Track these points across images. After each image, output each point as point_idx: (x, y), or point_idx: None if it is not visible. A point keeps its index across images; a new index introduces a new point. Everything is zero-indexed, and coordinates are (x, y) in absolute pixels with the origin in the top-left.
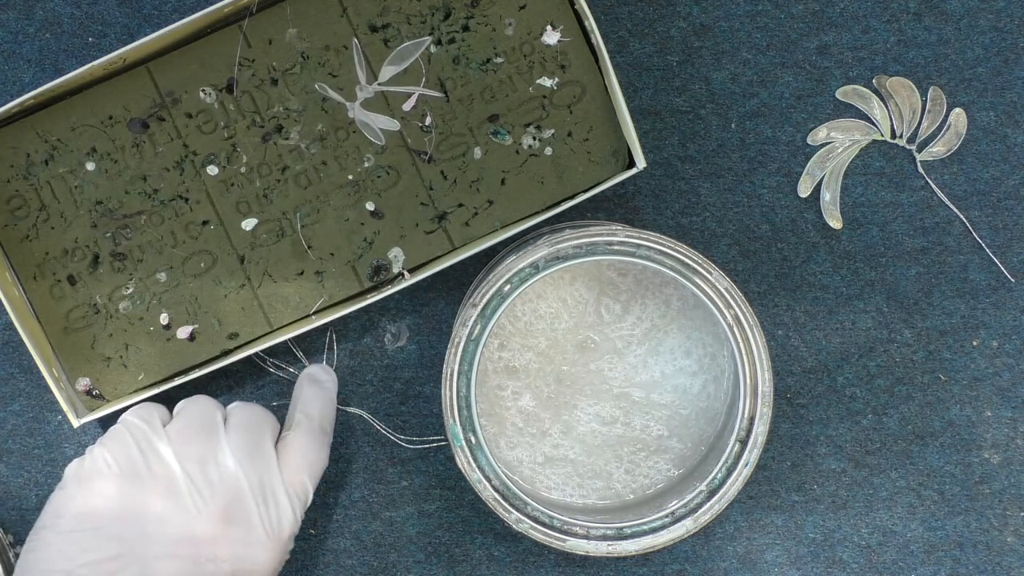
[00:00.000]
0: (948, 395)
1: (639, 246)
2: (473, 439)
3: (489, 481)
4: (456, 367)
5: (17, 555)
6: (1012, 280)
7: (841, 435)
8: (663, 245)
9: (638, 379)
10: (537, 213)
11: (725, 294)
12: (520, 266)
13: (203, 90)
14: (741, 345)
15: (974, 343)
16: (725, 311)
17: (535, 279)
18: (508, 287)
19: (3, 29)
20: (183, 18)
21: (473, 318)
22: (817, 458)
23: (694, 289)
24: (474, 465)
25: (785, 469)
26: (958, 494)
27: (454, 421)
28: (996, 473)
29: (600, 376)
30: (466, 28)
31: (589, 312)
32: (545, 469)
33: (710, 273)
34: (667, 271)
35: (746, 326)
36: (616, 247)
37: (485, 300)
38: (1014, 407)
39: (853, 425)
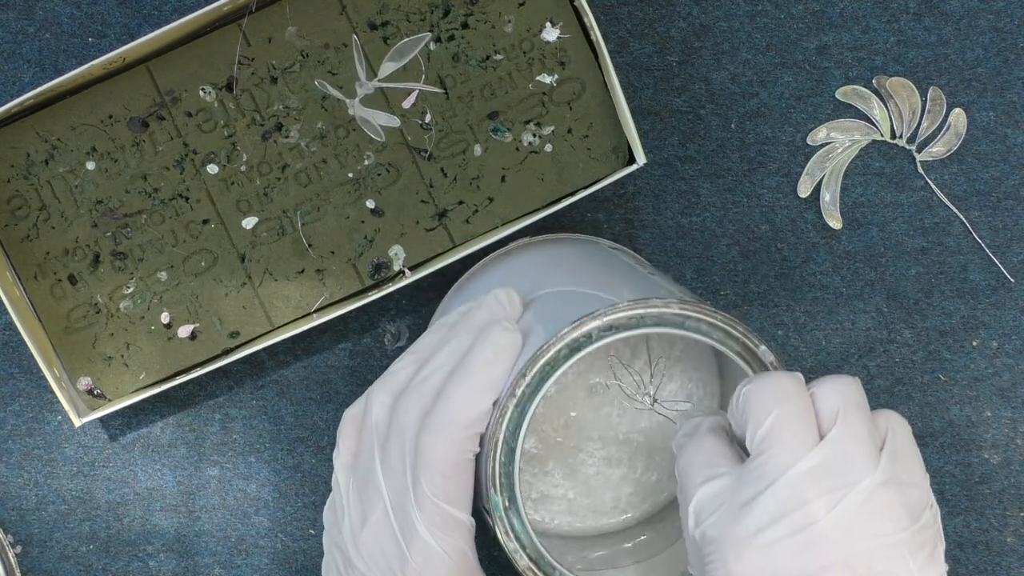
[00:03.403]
0: (948, 395)
1: (687, 317)
2: (511, 507)
3: (524, 549)
4: (501, 436)
5: (17, 555)
6: (1012, 280)
7: None
8: (714, 318)
9: (642, 424)
10: (538, 210)
11: (770, 368)
12: (574, 336)
13: (203, 89)
14: None
15: (974, 343)
16: None
17: (588, 349)
18: (559, 357)
19: (3, 29)
20: (182, 17)
21: (523, 387)
22: None
23: (741, 364)
24: (511, 535)
25: None
26: (958, 494)
27: (496, 491)
28: (996, 473)
29: (608, 421)
30: (465, 25)
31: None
32: (537, 505)
33: (757, 347)
34: (715, 343)
35: None
36: (669, 318)
37: (536, 369)
38: (1014, 407)
39: None
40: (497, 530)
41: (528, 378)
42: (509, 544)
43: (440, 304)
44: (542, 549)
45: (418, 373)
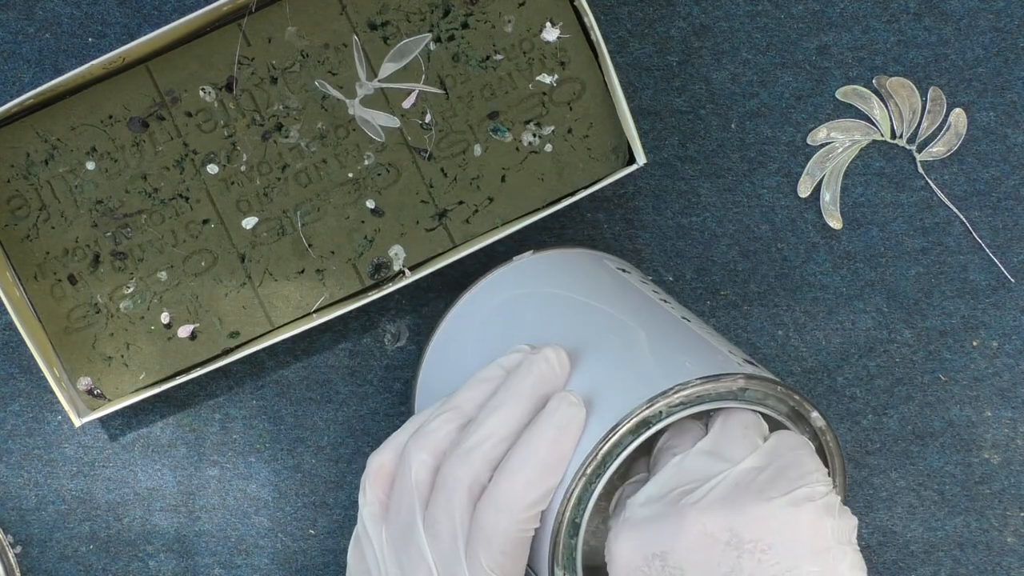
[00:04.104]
0: (948, 395)
1: (745, 389)
2: None
3: None
4: (567, 517)
5: (17, 555)
6: (1012, 280)
7: (841, 435)
8: (777, 391)
9: None
10: (538, 210)
11: (819, 433)
12: (645, 414)
13: (203, 89)
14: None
15: (974, 343)
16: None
17: (657, 426)
18: (630, 437)
19: (3, 29)
20: (182, 17)
21: (592, 467)
22: None
23: (791, 427)
24: None
25: None
26: (958, 494)
27: (559, 566)
28: (996, 473)
29: None
30: (465, 25)
31: None
32: None
33: (809, 413)
34: (772, 412)
35: (832, 461)
36: (736, 392)
37: (606, 449)
38: (1014, 407)
39: (853, 425)
40: None
41: (599, 458)
42: None
43: (444, 322)
44: None
45: (465, 436)
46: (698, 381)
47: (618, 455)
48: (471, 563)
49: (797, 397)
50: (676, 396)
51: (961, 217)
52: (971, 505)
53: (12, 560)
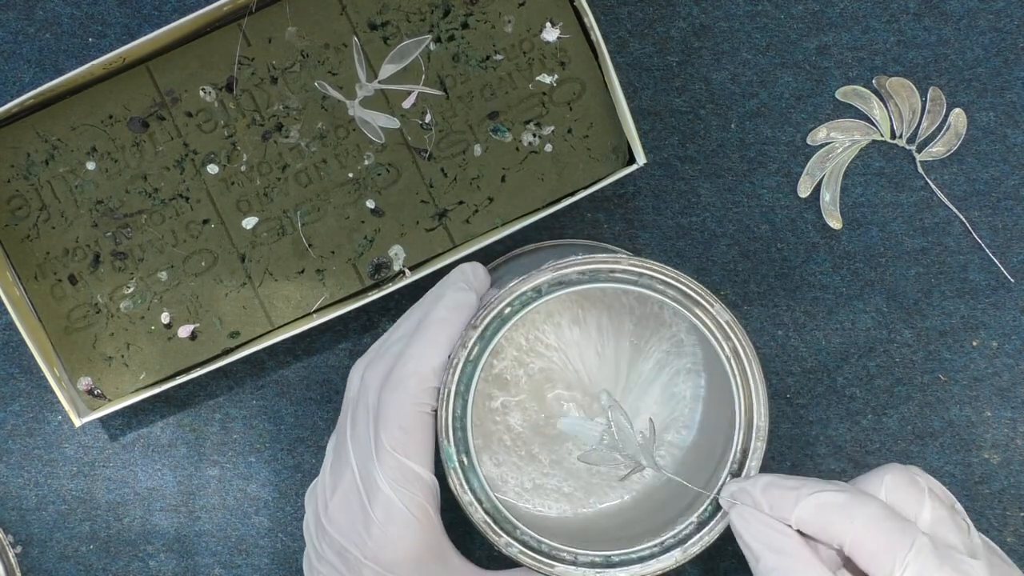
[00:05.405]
0: (948, 395)
1: (640, 275)
2: (466, 461)
3: (480, 504)
4: (453, 387)
5: (17, 555)
6: (1012, 280)
7: (841, 435)
8: (665, 275)
9: (633, 413)
10: (538, 210)
11: (725, 326)
12: (522, 290)
13: (203, 89)
14: (738, 377)
15: (974, 343)
16: (723, 343)
17: (537, 303)
18: (509, 310)
19: (3, 29)
20: (182, 17)
21: (473, 339)
22: (817, 458)
23: (693, 320)
24: (466, 488)
25: (785, 469)
26: (958, 494)
27: (448, 442)
28: (996, 473)
29: (593, 411)
30: (465, 25)
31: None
32: (533, 497)
33: (712, 305)
34: (668, 301)
35: (744, 359)
36: (619, 275)
37: (485, 323)
38: (1014, 407)
39: (853, 425)
40: (451, 483)
41: (479, 330)
42: (464, 497)
43: None
44: (500, 505)
45: (383, 343)
46: (578, 260)
47: (499, 330)
48: (377, 445)
49: (696, 287)
50: (555, 274)
51: (961, 217)
52: (971, 505)
53: (12, 560)
